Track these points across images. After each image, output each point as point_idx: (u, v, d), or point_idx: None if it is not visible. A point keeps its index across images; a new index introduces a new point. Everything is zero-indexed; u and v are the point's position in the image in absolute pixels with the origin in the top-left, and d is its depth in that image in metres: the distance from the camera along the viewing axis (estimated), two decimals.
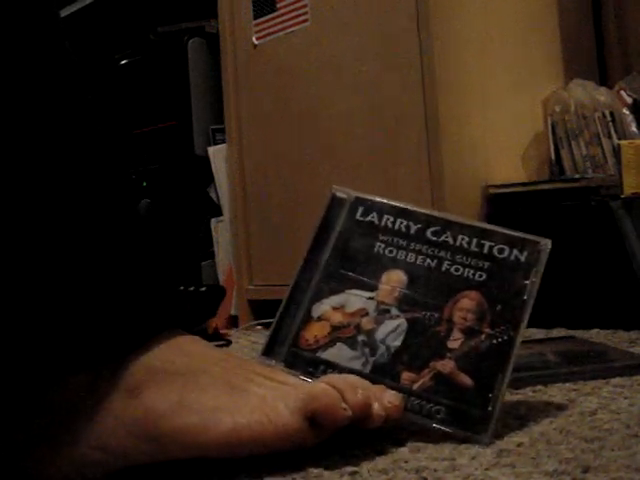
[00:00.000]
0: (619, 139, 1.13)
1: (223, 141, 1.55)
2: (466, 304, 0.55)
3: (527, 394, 0.63)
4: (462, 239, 0.57)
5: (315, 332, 0.57)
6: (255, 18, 1.41)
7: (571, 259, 1.03)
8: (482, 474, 0.43)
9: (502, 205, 1.12)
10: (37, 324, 0.48)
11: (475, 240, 0.57)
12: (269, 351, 0.57)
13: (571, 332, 0.93)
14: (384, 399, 0.50)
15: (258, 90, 1.42)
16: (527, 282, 0.55)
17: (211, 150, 1.57)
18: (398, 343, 0.55)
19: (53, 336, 0.48)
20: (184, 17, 1.71)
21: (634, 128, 1.18)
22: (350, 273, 0.58)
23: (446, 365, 0.53)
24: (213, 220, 1.59)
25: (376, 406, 0.48)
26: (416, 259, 0.57)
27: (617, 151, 1.05)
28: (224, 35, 1.49)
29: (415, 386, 0.53)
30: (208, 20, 1.63)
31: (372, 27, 1.20)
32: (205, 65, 1.63)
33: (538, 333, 0.96)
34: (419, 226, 0.58)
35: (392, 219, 0.59)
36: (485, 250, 0.56)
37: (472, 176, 1.14)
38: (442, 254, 0.57)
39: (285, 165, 1.36)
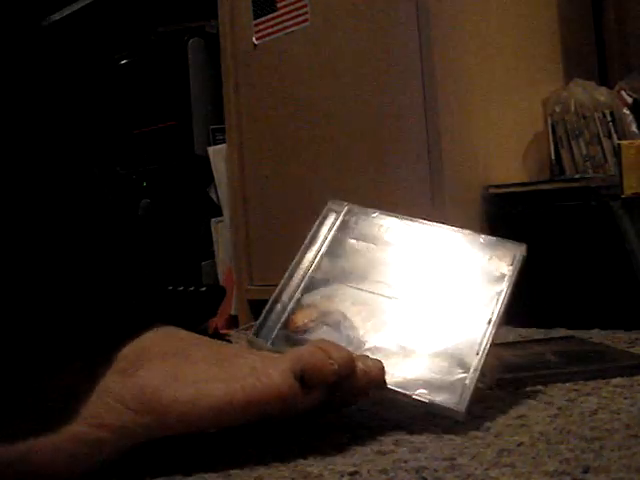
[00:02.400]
0: (619, 139, 1.13)
1: (223, 141, 1.54)
2: None
3: (527, 394, 0.63)
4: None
5: (304, 317, 0.60)
6: (255, 18, 1.41)
7: (571, 259, 1.03)
8: (482, 474, 0.43)
9: (502, 205, 1.12)
10: (34, 317, 0.49)
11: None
12: (259, 332, 0.60)
13: (571, 332, 0.93)
14: (367, 361, 0.53)
15: (258, 90, 1.42)
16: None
17: (211, 150, 1.57)
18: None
19: (47, 327, 0.49)
20: (184, 17, 1.71)
21: (634, 128, 1.18)
22: (340, 269, 0.63)
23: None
24: (213, 220, 1.59)
25: (360, 364, 0.51)
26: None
27: (617, 151, 1.05)
28: (224, 35, 1.49)
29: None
30: (208, 20, 1.63)
31: (372, 27, 1.20)
32: (205, 65, 1.63)
33: (538, 333, 0.96)
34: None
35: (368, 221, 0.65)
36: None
37: (472, 176, 1.14)
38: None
39: (285, 165, 1.36)
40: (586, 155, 1.18)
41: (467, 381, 0.54)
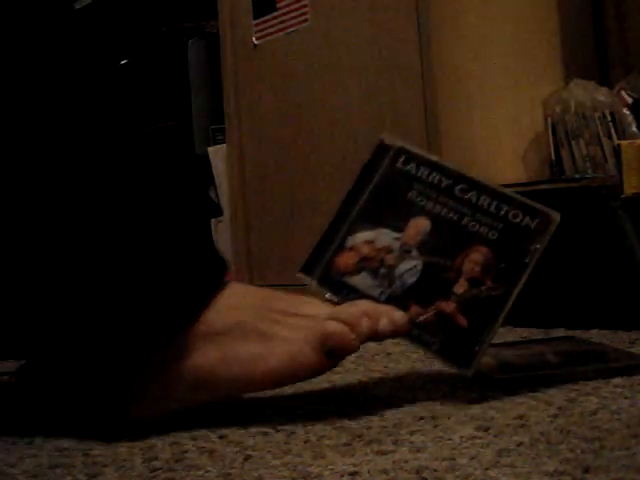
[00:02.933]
0: (619, 139, 1.13)
1: (223, 141, 1.55)
2: (476, 257, 0.62)
3: (527, 394, 0.63)
4: (484, 200, 0.64)
5: (346, 260, 0.65)
6: (255, 18, 1.41)
7: (571, 259, 1.03)
8: (482, 474, 0.43)
9: None
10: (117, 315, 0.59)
11: (495, 203, 0.64)
12: (307, 269, 0.66)
13: (571, 332, 0.93)
14: (394, 316, 0.59)
15: (258, 90, 1.42)
16: (532, 247, 0.63)
17: (211, 150, 1.57)
18: (413, 280, 0.63)
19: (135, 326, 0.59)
20: (184, 17, 1.71)
21: (634, 128, 1.18)
22: (383, 213, 0.66)
23: (449, 306, 0.61)
24: (213, 220, 1.59)
25: (383, 322, 0.59)
26: (441, 210, 0.65)
27: (617, 151, 1.05)
28: (224, 35, 1.49)
29: (420, 319, 0.61)
30: (208, 20, 1.63)
31: (372, 27, 1.20)
32: (205, 65, 1.63)
33: (538, 333, 0.96)
34: (449, 182, 0.65)
35: (427, 172, 0.66)
36: (502, 213, 0.63)
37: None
38: (464, 210, 0.64)
39: (285, 165, 1.36)
40: (586, 155, 1.18)
41: (477, 347, 0.59)
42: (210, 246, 0.67)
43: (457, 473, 0.43)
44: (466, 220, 0.64)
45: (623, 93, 1.21)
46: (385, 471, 0.45)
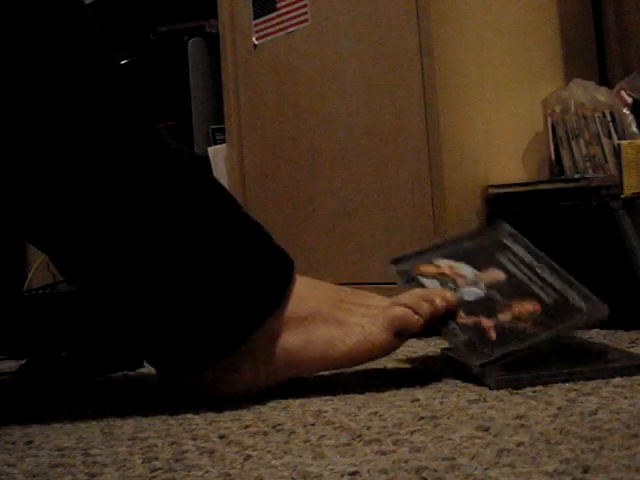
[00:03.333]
0: (619, 139, 1.13)
1: (223, 141, 1.54)
2: (528, 306, 0.74)
3: (527, 394, 0.63)
4: (554, 279, 0.77)
5: (426, 268, 0.81)
6: (255, 18, 1.41)
7: (571, 259, 1.03)
8: (482, 474, 0.43)
9: (502, 205, 1.12)
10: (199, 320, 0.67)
11: (560, 282, 0.77)
12: (395, 261, 0.84)
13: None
14: (445, 295, 0.72)
15: (258, 90, 1.42)
16: (573, 321, 0.72)
17: (211, 150, 1.57)
18: (469, 299, 0.75)
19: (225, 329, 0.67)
20: (184, 17, 1.71)
21: (634, 128, 1.18)
22: (472, 257, 0.82)
23: (488, 322, 0.72)
24: None
25: (438, 300, 0.70)
26: (517, 273, 0.79)
27: (617, 151, 1.05)
28: (224, 35, 1.49)
29: (461, 321, 0.72)
30: (208, 20, 1.63)
31: (372, 27, 1.20)
32: (205, 65, 1.63)
33: None
34: (533, 260, 0.80)
35: (521, 250, 0.82)
36: (562, 290, 0.75)
37: (472, 176, 1.14)
38: (535, 279, 0.77)
39: (285, 165, 1.36)
40: (586, 155, 1.18)
41: (493, 357, 0.68)
42: (277, 245, 0.75)
43: (457, 473, 0.43)
44: (533, 285, 0.76)
45: (623, 93, 1.21)
46: (385, 471, 0.45)
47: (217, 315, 0.66)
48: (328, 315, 0.69)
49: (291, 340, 0.68)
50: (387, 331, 0.67)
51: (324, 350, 0.67)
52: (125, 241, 0.64)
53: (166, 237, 0.65)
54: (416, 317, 0.68)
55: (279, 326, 0.68)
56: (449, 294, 0.73)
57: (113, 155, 0.63)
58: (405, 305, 0.69)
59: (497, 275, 0.79)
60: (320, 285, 0.73)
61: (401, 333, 0.68)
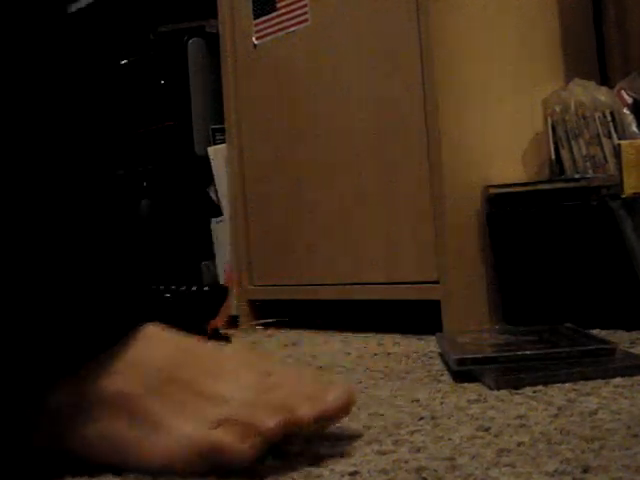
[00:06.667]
0: (619, 139, 1.13)
1: (223, 141, 1.54)
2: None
3: (527, 394, 0.63)
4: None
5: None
6: (255, 18, 1.41)
7: (571, 259, 1.03)
8: (482, 474, 0.43)
9: (502, 205, 1.12)
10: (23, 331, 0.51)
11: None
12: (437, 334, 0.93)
13: None
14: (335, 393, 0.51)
15: (258, 90, 1.42)
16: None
17: (211, 150, 1.57)
18: None
19: (36, 344, 0.51)
20: (184, 17, 1.71)
21: (634, 128, 1.18)
22: None
23: None
24: (213, 220, 1.58)
25: (304, 409, 0.48)
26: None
27: (617, 151, 1.05)
28: (224, 35, 1.49)
29: None
30: (208, 20, 1.63)
31: (372, 27, 1.20)
32: (205, 65, 1.63)
33: None
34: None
35: None
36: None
37: (472, 176, 1.14)
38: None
39: (285, 165, 1.36)
40: (586, 155, 1.18)
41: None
42: (130, 289, 0.56)
43: (457, 473, 0.43)
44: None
45: (623, 93, 1.21)
46: (385, 471, 0.45)
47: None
48: (137, 407, 0.51)
49: (77, 432, 0.52)
50: (198, 462, 0.48)
51: (113, 453, 0.51)
52: None
53: None
54: (241, 448, 0.46)
55: (65, 405, 0.52)
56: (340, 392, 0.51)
57: None
58: (241, 422, 0.48)
59: None
60: (162, 347, 0.54)
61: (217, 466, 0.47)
